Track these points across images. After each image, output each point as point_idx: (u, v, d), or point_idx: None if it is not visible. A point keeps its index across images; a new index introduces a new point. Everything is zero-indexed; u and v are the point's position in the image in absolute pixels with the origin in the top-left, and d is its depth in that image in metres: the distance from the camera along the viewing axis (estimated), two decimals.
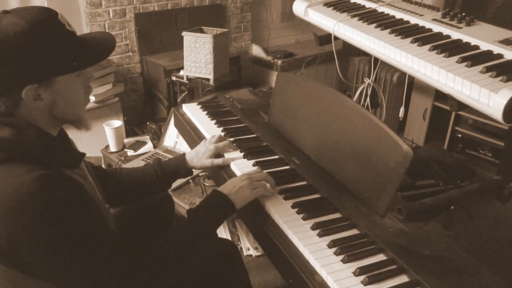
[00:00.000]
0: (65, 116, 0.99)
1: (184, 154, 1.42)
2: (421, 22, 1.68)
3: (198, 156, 1.40)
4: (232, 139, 1.54)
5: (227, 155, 1.44)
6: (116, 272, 0.92)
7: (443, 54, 1.41)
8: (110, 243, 0.94)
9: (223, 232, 2.22)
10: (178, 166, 1.39)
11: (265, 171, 1.34)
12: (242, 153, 1.45)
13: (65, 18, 0.95)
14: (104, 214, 1.01)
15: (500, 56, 1.39)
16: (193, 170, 1.44)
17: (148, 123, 2.67)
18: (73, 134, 1.14)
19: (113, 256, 0.92)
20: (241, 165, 1.39)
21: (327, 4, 1.99)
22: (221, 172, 1.40)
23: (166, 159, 1.43)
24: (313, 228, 1.10)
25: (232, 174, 1.37)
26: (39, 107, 0.93)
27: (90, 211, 0.93)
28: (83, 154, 1.05)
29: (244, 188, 1.17)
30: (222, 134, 1.58)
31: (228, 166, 1.40)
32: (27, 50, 0.87)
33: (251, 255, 2.04)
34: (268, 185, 1.23)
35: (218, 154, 1.43)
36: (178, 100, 2.99)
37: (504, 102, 1.16)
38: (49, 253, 0.87)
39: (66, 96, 0.96)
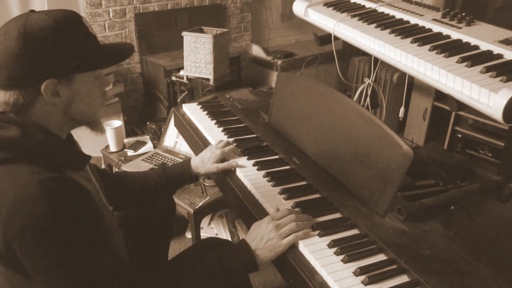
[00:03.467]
0: (81, 117, 1.00)
1: (189, 160, 1.41)
2: (421, 22, 1.68)
3: (204, 162, 1.38)
4: (232, 139, 1.54)
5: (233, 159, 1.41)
6: (120, 283, 0.90)
7: (443, 54, 1.41)
8: (113, 250, 0.93)
9: (223, 232, 2.22)
10: (183, 172, 1.38)
11: (265, 171, 1.35)
12: (248, 159, 1.42)
13: (89, 23, 0.99)
14: (107, 218, 1.00)
15: (500, 56, 1.39)
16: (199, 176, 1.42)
17: (148, 123, 2.66)
18: (72, 134, 1.14)
19: (116, 264, 0.91)
20: (247, 172, 1.35)
21: (327, 4, 1.99)
22: (226, 179, 1.37)
23: (171, 165, 1.42)
24: (314, 228, 1.10)
25: (237, 181, 1.34)
26: (56, 103, 0.94)
27: (93, 218, 0.91)
28: (89, 157, 1.05)
29: (274, 241, 1.06)
30: (225, 136, 1.58)
31: (234, 172, 1.38)
32: (50, 44, 0.90)
33: None
34: (299, 222, 1.09)
35: (223, 160, 1.41)
36: (178, 100, 2.99)
37: (504, 102, 1.15)
38: (46, 258, 0.85)
39: (83, 96, 0.97)
